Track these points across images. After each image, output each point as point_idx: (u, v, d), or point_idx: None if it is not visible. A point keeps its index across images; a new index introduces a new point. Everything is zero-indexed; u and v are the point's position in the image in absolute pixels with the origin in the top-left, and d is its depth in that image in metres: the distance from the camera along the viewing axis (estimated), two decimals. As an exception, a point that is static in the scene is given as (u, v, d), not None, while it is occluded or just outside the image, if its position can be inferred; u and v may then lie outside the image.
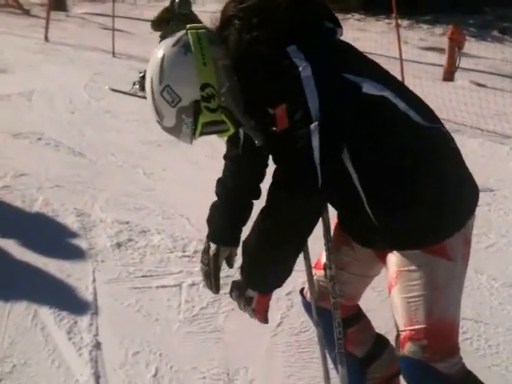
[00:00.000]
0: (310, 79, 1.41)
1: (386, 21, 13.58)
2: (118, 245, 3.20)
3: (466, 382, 1.59)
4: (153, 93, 1.53)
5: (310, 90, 1.40)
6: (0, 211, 3.53)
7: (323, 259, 1.73)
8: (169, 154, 4.78)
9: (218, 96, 1.51)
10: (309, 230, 1.56)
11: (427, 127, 1.55)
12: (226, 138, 1.81)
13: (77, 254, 3.09)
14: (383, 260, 1.67)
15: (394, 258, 1.61)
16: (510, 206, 3.98)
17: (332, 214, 1.73)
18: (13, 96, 6.15)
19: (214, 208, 1.87)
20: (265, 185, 1.74)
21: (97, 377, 2.20)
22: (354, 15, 14.37)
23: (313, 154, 1.41)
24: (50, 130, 5.14)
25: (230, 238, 1.87)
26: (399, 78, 6.19)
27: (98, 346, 2.37)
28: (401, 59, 6.99)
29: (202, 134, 1.57)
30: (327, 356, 1.87)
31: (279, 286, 1.64)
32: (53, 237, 3.25)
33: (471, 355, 2.44)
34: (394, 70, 6.45)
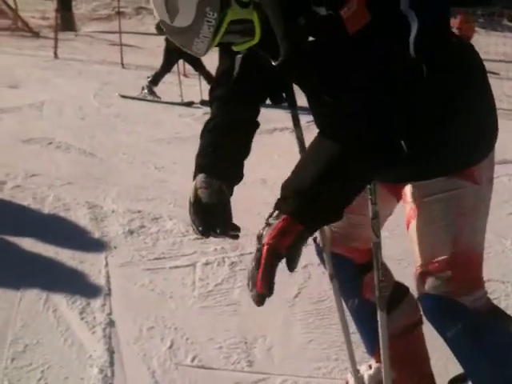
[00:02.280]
0: None
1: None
2: (131, 232, 3.15)
3: (494, 315, 1.48)
4: None
5: None
6: (11, 208, 3.50)
7: None
8: (179, 150, 4.75)
9: None
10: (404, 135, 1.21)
11: (460, 43, 1.42)
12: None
13: (89, 243, 3.04)
14: (397, 196, 1.58)
15: (414, 189, 1.48)
16: (529, 175, 3.87)
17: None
18: (24, 107, 6.18)
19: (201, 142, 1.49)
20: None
21: (111, 352, 2.13)
22: None
23: (410, 49, 1.14)
24: (61, 134, 5.13)
25: (222, 172, 1.45)
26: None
27: (111, 323, 2.31)
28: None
29: (222, 40, 1.24)
30: (345, 314, 1.78)
31: (337, 217, 1.21)
32: (64, 228, 3.22)
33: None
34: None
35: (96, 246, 3.00)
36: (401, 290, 1.76)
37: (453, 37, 1.41)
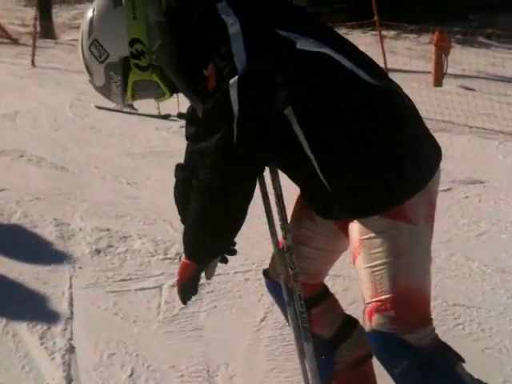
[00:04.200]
0: (238, 35, 1.36)
1: (372, 32, 13.63)
2: (98, 251, 3.11)
3: (441, 353, 1.48)
4: (82, 48, 1.50)
5: (238, 47, 1.35)
6: (-23, 225, 3.43)
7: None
8: (153, 164, 4.70)
9: (149, 53, 1.44)
10: (241, 200, 1.52)
11: (378, 86, 1.45)
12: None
13: (54, 262, 2.98)
14: (346, 232, 1.58)
15: (355, 227, 1.50)
16: (500, 195, 3.89)
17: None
18: (-4, 117, 6.09)
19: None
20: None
21: (69, 380, 2.09)
22: (340, 29, 14.44)
23: (232, 109, 1.36)
24: (33, 146, 5.06)
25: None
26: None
27: (71, 349, 2.27)
28: (385, 65, 7.00)
29: (136, 96, 1.52)
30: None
31: (212, 255, 1.65)
32: (30, 246, 3.16)
33: (464, 340, 2.35)
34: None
35: (61, 265, 2.95)
36: (351, 323, 1.76)
37: (375, 79, 1.46)
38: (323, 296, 1.75)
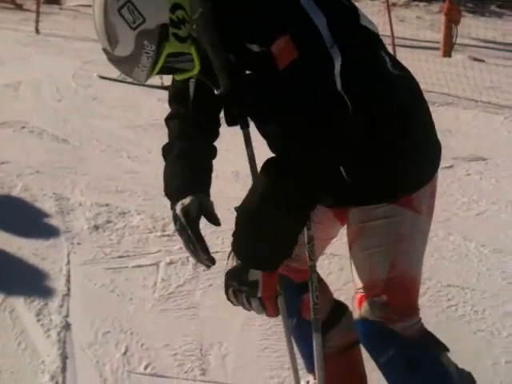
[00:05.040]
0: (311, 2, 1.23)
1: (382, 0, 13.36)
2: (96, 227, 3.12)
3: (426, 342, 1.50)
4: (106, 9, 1.24)
5: (315, 13, 1.21)
6: (-23, 199, 3.46)
7: None
8: (155, 138, 4.65)
9: (190, 22, 1.26)
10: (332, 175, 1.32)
11: (397, 75, 1.45)
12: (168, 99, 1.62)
13: (53, 237, 3.01)
14: (342, 219, 1.58)
15: (356, 214, 1.50)
16: (502, 173, 3.86)
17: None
18: (0, 87, 6.07)
19: (166, 169, 1.60)
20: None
21: (64, 357, 2.13)
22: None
23: (336, 82, 1.20)
24: (35, 118, 5.05)
25: (192, 184, 1.53)
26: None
27: (67, 327, 2.30)
28: (392, 37, 6.86)
29: (161, 71, 1.30)
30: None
31: (288, 256, 1.36)
32: (29, 221, 3.18)
33: (456, 322, 2.37)
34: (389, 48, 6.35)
35: (59, 241, 2.97)
36: (340, 308, 1.76)
37: (395, 68, 1.42)
38: (315, 281, 1.75)
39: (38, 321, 2.32)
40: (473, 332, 2.29)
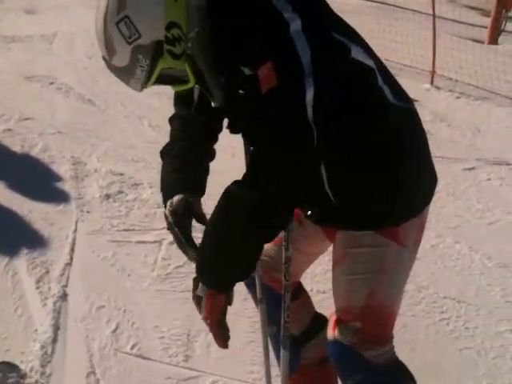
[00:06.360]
0: (300, 34, 1.24)
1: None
2: (107, 196, 3.18)
3: (395, 372, 1.51)
4: (105, 21, 1.27)
5: (301, 44, 1.22)
6: (-3, 154, 3.54)
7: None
8: (179, 106, 4.70)
9: (185, 40, 1.29)
10: (298, 201, 1.33)
11: (395, 105, 1.42)
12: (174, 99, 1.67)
13: (64, 203, 3.08)
14: (330, 238, 1.58)
15: (343, 237, 1.51)
16: (524, 181, 3.77)
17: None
18: (35, 37, 6.11)
19: (162, 168, 1.63)
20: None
21: (56, 328, 2.21)
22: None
23: (306, 111, 1.21)
24: (65, 74, 5.09)
25: (184, 184, 1.54)
26: (431, 37, 5.87)
27: (63, 297, 2.38)
28: (433, 15, 6.58)
29: (156, 82, 1.33)
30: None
31: (235, 281, 1.33)
32: (43, 184, 3.25)
33: (445, 336, 2.37)
34: (426, 27, 6.14)
35: (70, 207, 3.04)
36: (320, 321, 1.78)
37: (398, 98, 1.41)
38: (297, 295, 1.77)
39: (37, 288, 2.40)
40: (459, 349, 2.29)
